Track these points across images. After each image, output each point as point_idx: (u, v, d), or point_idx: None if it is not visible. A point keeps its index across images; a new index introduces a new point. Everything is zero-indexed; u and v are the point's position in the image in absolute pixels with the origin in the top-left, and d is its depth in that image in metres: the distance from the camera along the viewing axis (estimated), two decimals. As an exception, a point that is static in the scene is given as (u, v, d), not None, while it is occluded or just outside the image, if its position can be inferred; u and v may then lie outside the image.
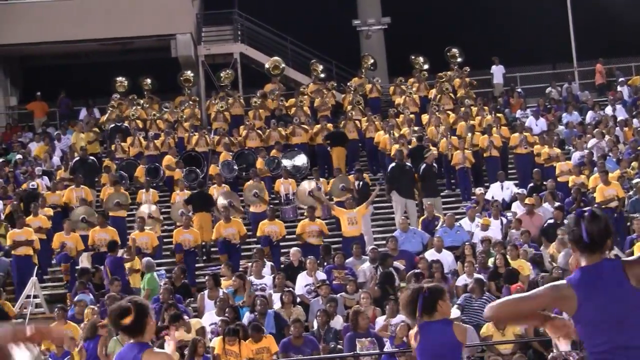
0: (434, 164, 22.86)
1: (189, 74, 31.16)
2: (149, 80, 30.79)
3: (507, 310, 5.03)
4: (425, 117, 27.09)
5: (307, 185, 23.07)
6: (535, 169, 23.43)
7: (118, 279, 17.48)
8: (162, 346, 12.85)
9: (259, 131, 26.58)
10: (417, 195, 22.42)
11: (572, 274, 5.00)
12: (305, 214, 21.24)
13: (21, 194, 23.48)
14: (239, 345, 14.21)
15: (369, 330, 14.82)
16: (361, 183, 22.74)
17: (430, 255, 18.43)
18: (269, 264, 18.76)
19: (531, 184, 22.83)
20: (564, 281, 4.98)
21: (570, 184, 22.23)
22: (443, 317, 7.36)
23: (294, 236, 20.90)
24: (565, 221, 5.21)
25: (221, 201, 22.00)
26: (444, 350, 7.32)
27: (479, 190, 22.65)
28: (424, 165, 22.26)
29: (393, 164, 22.46)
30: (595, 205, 20.61)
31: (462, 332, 7.48)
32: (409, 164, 22.35)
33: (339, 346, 15.06)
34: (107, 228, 20.47)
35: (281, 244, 20.71)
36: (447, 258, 18.45)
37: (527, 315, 5.07)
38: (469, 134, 24.97)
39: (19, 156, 26.66)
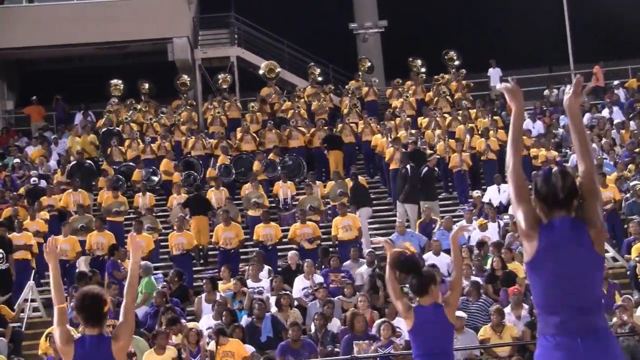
0: (435, 168, 22.88)
1: (186, 78, 31.19)
2: (146, 85, 30.80)
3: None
4: (421, 120, 27.10)
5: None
6: (533, 172, 23.40)
7: (115, 282, 17.46)
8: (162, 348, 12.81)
9: (253, 134, 26.58)
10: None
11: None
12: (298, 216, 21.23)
13: (27, 190, 23.77)
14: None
15: (366, 332, 14.83)
16: (352, 184, 22.60)
17: (428, 258, 18.42)
18: (266, 267, 18.75)
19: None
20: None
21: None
22: (434, 300, 7.69)
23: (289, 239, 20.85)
24: (532, 180, 5.30)
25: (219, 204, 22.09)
26: (436, 331, 7.63)
27: (476, 193, 22.66)
28: (426, 168, 22.25)
29: (394, 168, 22.48)
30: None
31: (453, 314, 7.77)
32: (407, 167, 22.29)
33: (336, 349, 15.06)
34: (104, 232, 20.45)
35: (278, 247, 20.69)
36: (444, 261, 18.43)
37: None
38: (468, 136, 24.97)
39: (16, 160, 26.64)
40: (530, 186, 5.22)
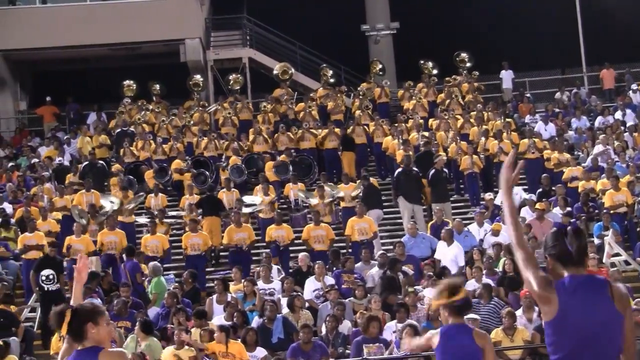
0: (444, 169, 22.84)
1: (198, 78, 31.25)
2: (157, 85, 30.86)
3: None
4: (433, 122, 27.08)
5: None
6: (544, 175, 23.37)
7: (129, 284, 17.46)
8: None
9: (265, 135, 26.61)
10: (424, 200, 22.40)
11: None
12: (311, 218, 21.22)
13: (55, 170, 24.64)
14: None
15: (377, 336, 14.81)
16: (365, 186, 22.60)
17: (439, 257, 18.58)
18: (275, 267, 18.76)
19: (540, 190, 22.77)
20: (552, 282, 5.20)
21: (580, 190, 22.20)
22: (460, 322, 7.60)
23: (302, 241, 20.87)
24: (544, 239, 5.44)
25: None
26: (464, 354, 7.51)
27: (488, 196, 22.61)
28: (433, 170, 22.25)
29: (399, 170, 22.45)
30: (604, 211, 20.60)
31: (482, 337, 7.67)
32: (415, 169, 22.30)
33: (347, 351, 15.05)
34: (115, 231, 20.46)
35: (290, 248, 20.70)
36: (453, 252, 18.57)
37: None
38: (482, 139, 24.91)
39: (35, 160, 26.77)
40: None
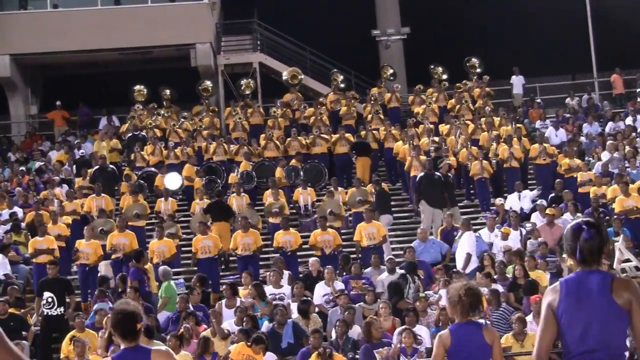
0: (449, 174, 22.81)
1: (208, 83, 31.28)
2: (168, 91, 30.91)
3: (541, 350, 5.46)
4: (443, 127, 27.06)
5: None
6: (558, 180, 23.31)
7: (137, 288, 17.34)
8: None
9: (277, 141, 26.61)
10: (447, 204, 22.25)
11: None
12: (318, 223, 21.20)
13: (76, 161, 25.11)
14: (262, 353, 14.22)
15: (381, 340, 14.79)
16: (377, 191, 22.61)
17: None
18: (286, 273, 18.75)
19: (552, 194, 22.71)
20: (557, 283, 5.52)
21: (591, 195, 22.14)
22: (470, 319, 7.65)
23: (310, 246, 20.84)
24: (565, 232, 5.59)
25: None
26: (476, 352, 7.54)
27: (498, 201, 22.58)
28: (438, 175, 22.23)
29: (421, 174, 22.38)
30: (615, 217, 20.53)
31: (492, 334, 7.67)
32: (438, 173, 22.21)
33: (356, 356, 15.04)
34: (125, 232, 20.40)
35: (299, 253, 20.68)
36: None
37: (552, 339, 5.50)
38: (494, 144, 24.86)
39: (39, 163, 26.83)
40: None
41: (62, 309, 17.35)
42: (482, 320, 8.21)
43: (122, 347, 6.46)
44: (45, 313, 17.33)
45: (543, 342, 5.40)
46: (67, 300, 17.58)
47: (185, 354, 14.35)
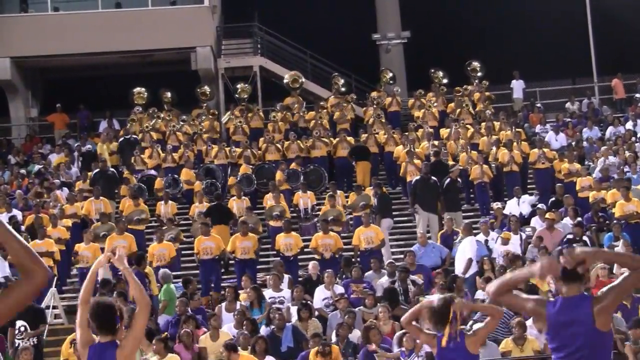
0: (458, 179, 22.84)
1: (206, 88, 31.27)
2: (168, 94, 30.90)
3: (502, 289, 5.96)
4: (443, 131, 27.06)
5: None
6: (558, 184, 23.31)
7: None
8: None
9: (277, 145, 26.61)
10: (439, 209, 22.31)
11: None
12: (319, 227, 21.19)
13: (83, 154, 24.92)
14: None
15: (380, 345, 14.77)
16: (378, 195, 22.62)
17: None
18: (286, 277, 18.74)
19: (552, 199, 22.71)
20: (545, 301, 6.00)
21: (590, 200, 22.14)
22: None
23: (311, 249, 20.84)
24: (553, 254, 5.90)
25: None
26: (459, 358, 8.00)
27: (496, 205, 22.58)
28: (448, 179, 22.22)
29: (417, 177, 22.39)
30: (615, 222, 20.53)
31: (473, 342, 8.15)
32: (433, 178, 22.23)
33: (357, 360, 15.05)
34: (125, 235, 20.41)
35: (300, 257, 20.67)
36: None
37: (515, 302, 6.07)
38: (493, 148, 24.87)
39: (38, 167, 26.82)
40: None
41: (34, 340, 16.10)
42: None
43: (98, 340, 6.61)
44: (16, 344, 15.93)
45: (519, 298, 6.01)
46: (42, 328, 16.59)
47: (173, 356, 14.32)
